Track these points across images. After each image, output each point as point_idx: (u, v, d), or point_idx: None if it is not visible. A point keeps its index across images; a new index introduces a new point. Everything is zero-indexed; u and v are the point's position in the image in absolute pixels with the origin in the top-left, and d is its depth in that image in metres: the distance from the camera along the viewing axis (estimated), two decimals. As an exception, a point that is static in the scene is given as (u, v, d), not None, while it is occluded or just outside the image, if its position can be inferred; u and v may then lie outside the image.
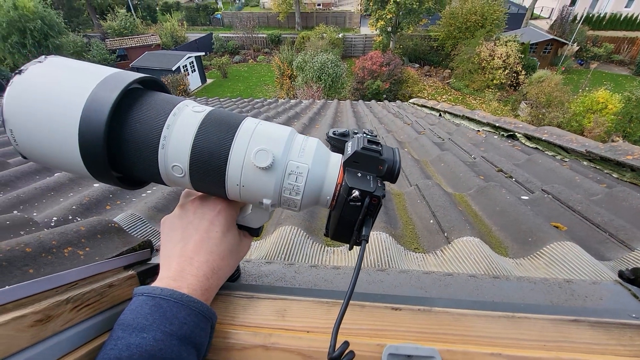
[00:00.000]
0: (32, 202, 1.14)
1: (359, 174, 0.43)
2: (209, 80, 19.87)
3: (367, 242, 0.45)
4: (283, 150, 0.42)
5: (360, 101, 6.28)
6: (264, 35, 23.87)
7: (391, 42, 20.37)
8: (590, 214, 1.09)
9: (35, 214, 1.10)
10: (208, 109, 0.45)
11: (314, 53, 15.78)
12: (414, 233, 1.05)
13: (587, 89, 14.96)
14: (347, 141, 0.49)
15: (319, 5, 29.68)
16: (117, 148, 0.40)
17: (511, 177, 1.56)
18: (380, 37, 20.32)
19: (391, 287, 0.68)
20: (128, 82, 0.40)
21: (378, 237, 0.94)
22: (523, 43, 17.42)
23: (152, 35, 21.78)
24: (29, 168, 1.42)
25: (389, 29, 19.54)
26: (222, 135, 0.42)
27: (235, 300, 0.62)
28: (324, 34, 20.73)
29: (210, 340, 0.46)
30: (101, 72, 0.41)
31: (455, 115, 3.59)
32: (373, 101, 6.46)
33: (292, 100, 6.18)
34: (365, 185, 0.41)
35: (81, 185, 1.34)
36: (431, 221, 1.09)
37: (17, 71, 0.39)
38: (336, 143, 0.50)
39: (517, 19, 23.32)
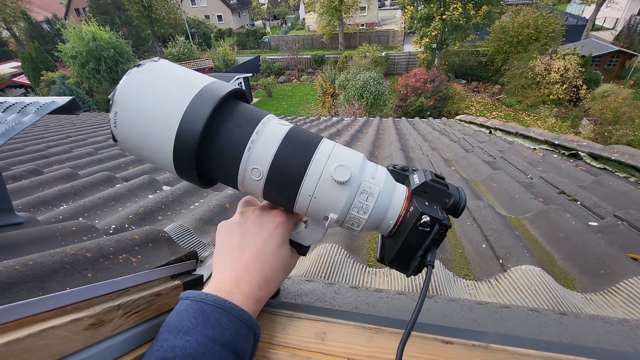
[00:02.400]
0: (95, 210, 1.26)
1: (427, 203, 0.45)
2: (255, 99, 20.95)
3: (433, 267, 0.43)
4: (359, 169, 0.45)
5: (403, 118, 6.18)
6: (308, 56, 24.79)
7: (436, 59, 20.01)
8: (680, 246, 0.93)
9: (97, 221, 1.20)
10: (291, 124, 0.48)
11: (357, 71, 15.98)
12: (463, 258, 0.97)
13: (663, 103, 13.32)
14: (407, 175, 0.52)
15: (362, 25, 30.29)
16: (206, 148, 0.44)
17: (575, 200, 1.40)
18: (425, 54, 20.07)
19: (440, 316, 0.63)
20: (223, 95, 0.43)
21: (423, 260, 0.88)
22: (584, 56, 16.12)
23: (206, 59, 23.70)
24: (95, 179, 1.57)
25: (434, 45, 19.27)
26: (303, 148, 0.45)
27: (274, 317, 0.61)
28: (367, 53, 20.99)
29: (253, 353, 0.45)
30: (201, 81, 0.45)
31: (508, 133, 3.37)
32: (417, 118, 6.32)
33: (333, 118, 6.26)
34: (435, 213, 0.43)
35: (138, 197, 1.44)
36: (483, 246, 1.00)
37: (136, 65, 0.44)
38: (396, 177, 0.52)
39: (576, 30, 21.74)
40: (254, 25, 37.53)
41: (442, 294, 0.77)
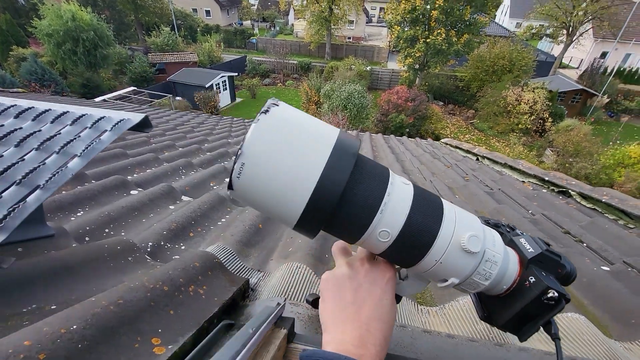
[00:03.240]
0: (120, 221, 1.19)
1: (543, 274, 0.46)
2: (238, 99, 20.62)
3: (560, 339, 0.45)
4: (484, 237, 0.46)
5: (392, 136, 6.35)
6: (295, 62, 24.84)
7: (417, 79, 20.79)
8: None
9: (123, 233, 1.13)
10: (408, 181, 0.48)
11: (342, 83, 16.25)
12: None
13: (618, 141, 14.66)
14: (501, 231, 0.54)
15: (349, 38, 30.90)
16: (338, 208, 0.43)
17: (581, 241, 1.52)
18: (407, 73, 20.79)
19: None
20: (356, 153, 0.43)
21: (469, 300, 0.92)
22: (551, 91, 17.44)
23: (191, 53, 23.04)
24: (108, 183, 1.48)
25: (417, 66, 20.02)
26: (432, 211, 0.46)
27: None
28: (353, 66, 21.40)
29: None
30: (329, 132, 0.44)
31: (496, 162, 3.57)
32: (405, 137, 6.52)
33: None
34: (558, 287, 0.44)
35: (159, 207, 1.38)
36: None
37: (263, 110, 0.42)
38: None
39: (545, 66, 23.50)
40: (242, 24, 37.12)
41: (511, 341, 0.80)
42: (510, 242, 0.53)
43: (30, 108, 0.73)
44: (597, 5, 21.21)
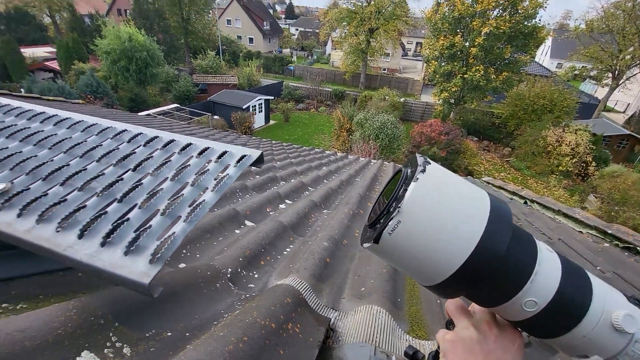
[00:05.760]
0: (195, 243, 1.22)
1: None
2: (271, 122, 21.36)
3: None
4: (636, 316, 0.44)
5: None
6: (329, 89, 25.61)
7: (452, 113, 20.66)
8: None
9: (198, 255, 1.16)
10: (551, 248, 0.47)
11: (375, 112, 16.46)
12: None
13: (671, 193, 13.55)
14: None
15: (384, 70, 31.60)
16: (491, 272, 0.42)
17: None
18: (442, 107, 20.73)
19: None
20: (511, 217, 0.42)
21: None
22: (595, 134, 16.66)
23: (232, 76, 24.46)
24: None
25: (452, 100, 19.96)
26: (581, 283, 0.44)
27: None
28: (387, 96, 21.70)
29: None
30: (482, 195, 0.44)
31: (547, 208, 3.39)
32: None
33: (350, 156, 6.32)
34: None
35: (227, 230, 1.42)
36: None
37: (420, 169, 0.42)
38: None
39: (588, 109, 22.64)
40: (281, 52, 39.17)
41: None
42: None
43: (156, 137, 0.79)
44: (646, 49, 20.48)
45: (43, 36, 29.82)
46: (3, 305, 0.60)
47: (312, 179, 2.89)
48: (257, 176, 2.75)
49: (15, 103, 0.90)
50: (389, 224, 0.41)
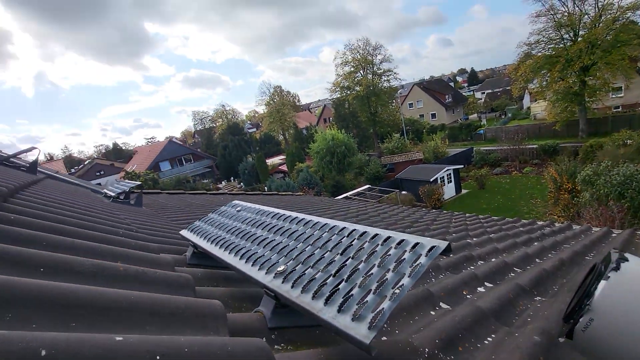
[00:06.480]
0: (393, 319, 1.38)
1: None
2: (463, 191, 20.05)
3: None
4: None
5: None
6: (534, 146, 21.92)
7: None
8: None
9: (397, 331, 1.30)
10: None
11: (612, 164, 12.43)
12: None
13: None
14: None
15: (616, 108, 24.29)
16: None
17: None
18: None
19: None
20: None
21: None
22: None
23: (417, 152, 25.63)
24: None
25: None
26: None
27: None
28: (628, 140, 16.21)
29: None
30: None
31: None
32: None
33: (576, 226, 4.86)
34: None
35: (421, 310, 1.50)
36: None
37: (612, 266, 0.43)
38: None
39: None
40: (467, 119, 38.08)
41: None
42: None
43: (365, 232, 1.07)
44: None
45: (278, 149, 42.56)
46: (282, 344, 0.95)
47: (519, 258, 2.52)
48: (451, 254, 2.69)
49: (276, 211, 1.45)
50: (580, 320, 0.45)
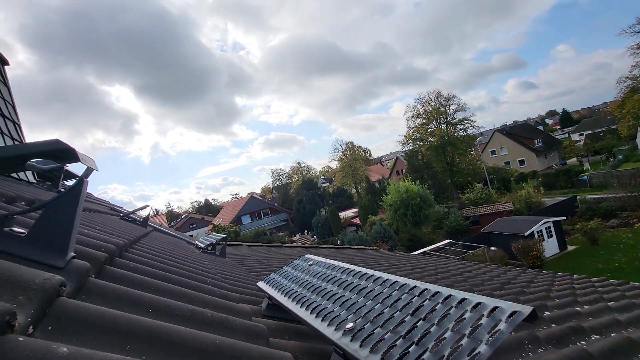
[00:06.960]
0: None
1: None
2: (570, 247, 16.94)
3: None
4: None
5: None
6: (662, 193, 17.87)
7: None
8: None
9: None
10: None
11: None
12: None
13: None
14: None
15: None
16: None
17: None
18: None
19: None
20: None
21: None
22: None
23: (505, 203, 23.05)
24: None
25: None
26: None
27: None
28: None
29: None
30: None
31: None
32: None
33: None
34: None
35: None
36: None
37: None
38: None
39: None
40: (565, 164, 33.52)
41: None
42: None
43: (437, 292, 1.02)
44: None
45: (351, 202, 42.80)
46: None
47: (653, 336, 1.98)
48: (553, 325, 2.25)
49: (346, 266, 1.47)
50: None
